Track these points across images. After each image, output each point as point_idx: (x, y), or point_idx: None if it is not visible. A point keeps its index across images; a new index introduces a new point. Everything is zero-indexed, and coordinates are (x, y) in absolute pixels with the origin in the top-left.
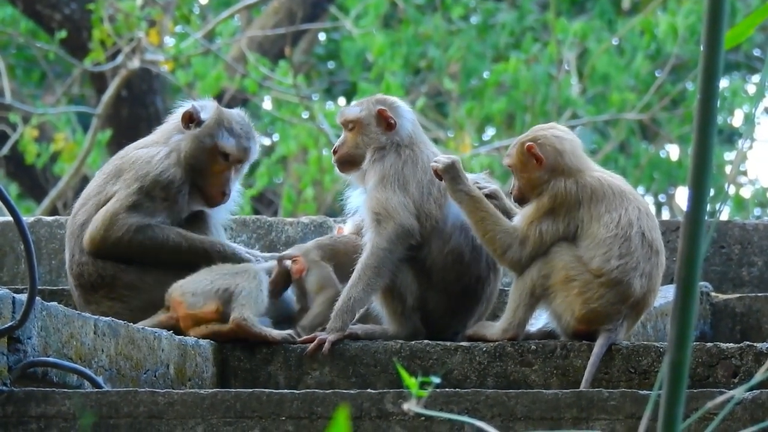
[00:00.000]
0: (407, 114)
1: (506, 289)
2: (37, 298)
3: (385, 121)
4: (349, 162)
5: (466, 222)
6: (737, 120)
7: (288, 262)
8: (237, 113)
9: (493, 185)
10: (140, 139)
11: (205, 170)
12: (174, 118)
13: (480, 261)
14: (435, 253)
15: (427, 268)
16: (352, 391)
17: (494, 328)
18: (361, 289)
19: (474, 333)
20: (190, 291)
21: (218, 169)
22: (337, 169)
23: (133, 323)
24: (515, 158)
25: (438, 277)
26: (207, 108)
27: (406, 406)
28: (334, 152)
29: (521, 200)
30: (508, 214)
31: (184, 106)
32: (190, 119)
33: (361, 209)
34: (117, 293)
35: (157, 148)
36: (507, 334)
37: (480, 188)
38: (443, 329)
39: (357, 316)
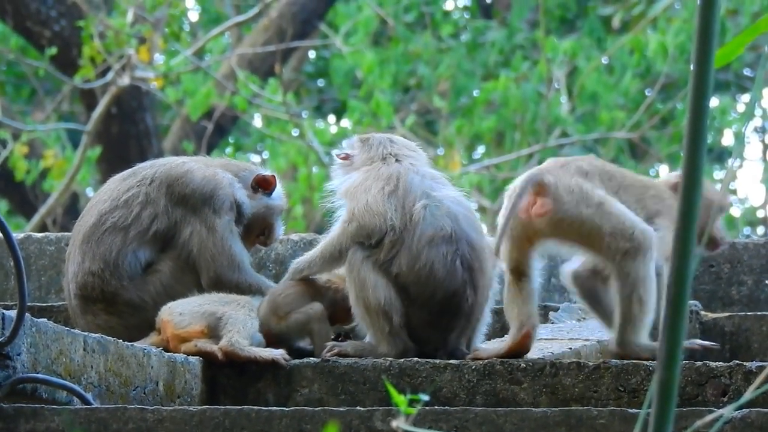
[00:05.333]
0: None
1: (495, 307)
2: (27, 314)
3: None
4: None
5: (436, 237)
6: (727, 139)
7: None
8: None
9: None
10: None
11: (251, 232)
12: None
13: (456, 276)
14: (406, 268)
15: (402, 284)
16: (341, 409)
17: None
18: (305, 262)
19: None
20: (178, 311)
21: (256, 240)
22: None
23: (128, 340)
24: None
25: (414, 292)
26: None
27: (394, 424)
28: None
29: None
30: None
31: (263, 172)
32: (265, 185)
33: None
34: (115, 308)
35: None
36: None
37: None
38: (425, 344)
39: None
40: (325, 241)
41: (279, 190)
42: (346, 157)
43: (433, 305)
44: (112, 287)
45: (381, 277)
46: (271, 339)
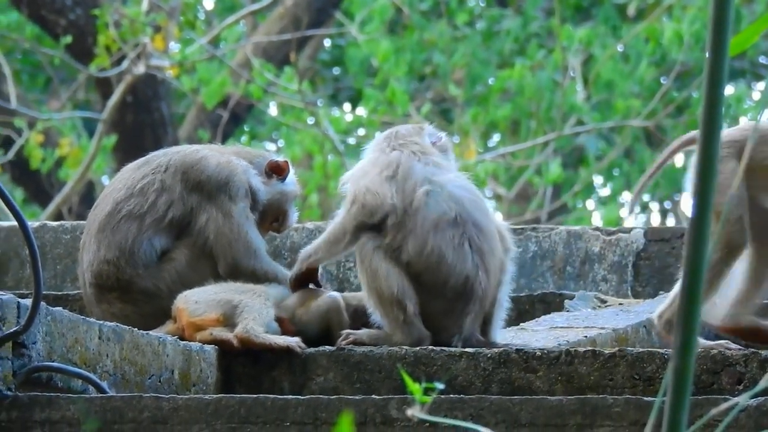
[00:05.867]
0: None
1: (520, 295)
2: (42, 303)
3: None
4: None
5: (441, 221)
6: None
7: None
8: None
9: None
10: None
11: (265, 219)
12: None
13: (466, 260)
14: (415, 256)
15: (413, 272)
16: (356, 397)
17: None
18: (313, 248)
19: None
20: (193, 299)
21: (270, 227)
22: None
23: (143, 328)
24: None
25: (426, 280)
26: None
27: (410, 412)
28: None
29: None
30: None
31: (276, 158)
32: (278, 171)
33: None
34: (131, 297)
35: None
36: None
37: None
38: (441, 331)
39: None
40: (329, 227)
41: (292, 176)
42: None
43: (447, 291)
44: (127, 275)
45: (393, 266)
46: (290, 327)
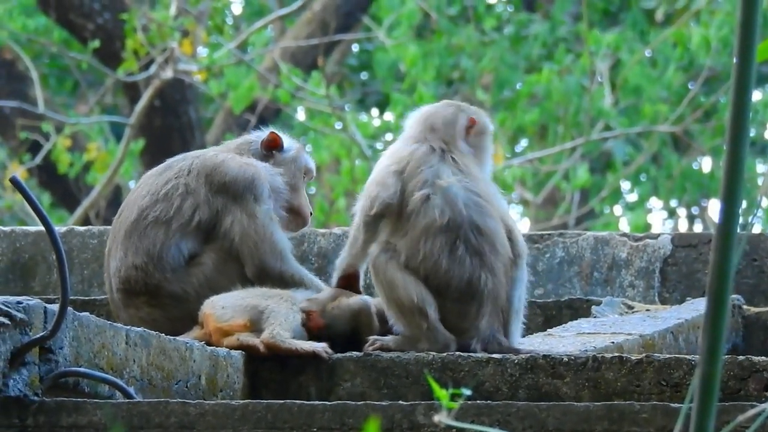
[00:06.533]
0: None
1: (547, 301)
2: (69, 308)
3: None
4: None
5: (434, 228)
6: None
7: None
8: None
9: None
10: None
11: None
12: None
13: (463, 264)
14: (409, 260)
15: (421, 278)
16: (383, 403)
17: None
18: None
19: None
20: (220, 304)
21: (294, 221)
22: None
23: (171, 332)
24: None
25: (430, 284)
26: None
27: (437, 418)
28: None
29: None
30: None
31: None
32: (273, 144)
33: None
34: (159, 301)
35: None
36: None
37: None
38: (459, 335)
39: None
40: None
41: (289, 141)
42: None
43: (452, 294)
44: (155, 280)
45: (408, 275)
46: (319, 321)
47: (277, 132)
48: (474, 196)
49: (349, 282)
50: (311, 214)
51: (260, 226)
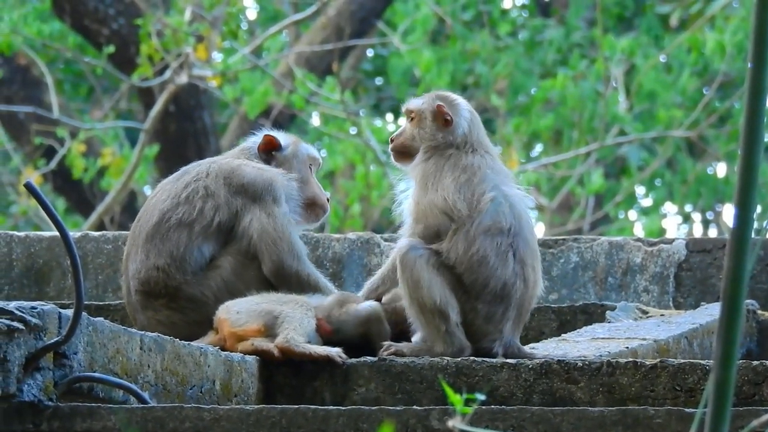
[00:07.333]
0: (465, 113)
1: (562, 306)
2: (84, 313)
3: (442, 118)
4: (403, 153)
5: (494, 228)
6: None
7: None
8: None
9: None
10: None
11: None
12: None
13: (507, 266)
14: (460, 253)
15: (457, 273)
16: (397, 408)
17: None
18: (379, 278)
19: None
20: (235, 309)
21: (311, 214)
22: (392, 158)
23: (188, 336)
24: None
25: (468, 280)
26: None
27: (451, 423)
28: (391, 140)
29: None
30: None
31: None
32: (271, 146)
33: (403, 209)
34: (178, 304)
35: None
36: None
37: None
38: (482, 337)
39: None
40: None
41: (284, 137)
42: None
43: (486, 294)
44: (175, 282)
45: (435, 275)
46: (326, 327)
47: (270, 133)
48: (528, 212)
49: None
50: (328, 200)
51: (279, 225)
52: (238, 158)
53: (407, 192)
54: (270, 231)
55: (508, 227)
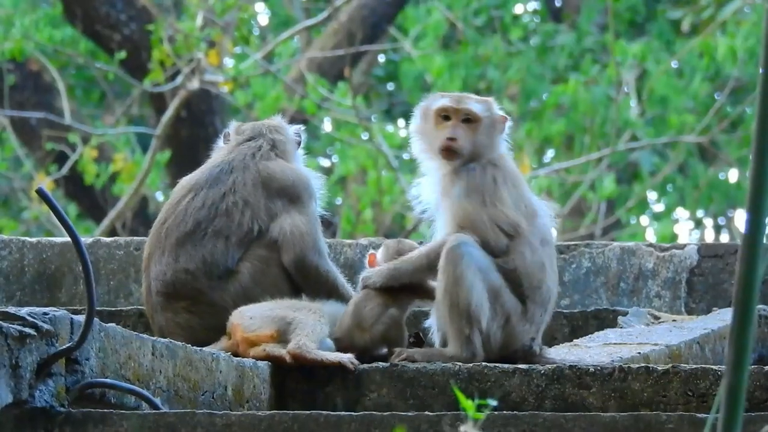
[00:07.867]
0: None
1: (574, 311)
2: (96, 319)
3: (502, 128)
4: (459, 155)
5: (545, 238)
6: None
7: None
8: None
9: None
10: None
11: None
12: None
13: (554, 276)
14: (526, 259)
15: (516, 274)
16: (409, 413)
17: None
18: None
19: None
20: (248, 315)
21: None
22: (443, 153)
23: (204, 341)
24: None
25: (526, 283)
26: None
27: (463, 429)
28: (453, 139)
29: None
30: None
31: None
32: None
33: (440, 212)
34: (198, 308)
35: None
36: None
37: None
38: (522, 335)
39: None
40: (431, 246)
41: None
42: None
43: (538, 297)
44: (200, 285)
45: (479, 280)
46: (350, 350)
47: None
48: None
49: None
50: None
51: (309, 222)
52: (268, 158)
53: (437, 191)
54: (299, 225)
55: (549, 238)
